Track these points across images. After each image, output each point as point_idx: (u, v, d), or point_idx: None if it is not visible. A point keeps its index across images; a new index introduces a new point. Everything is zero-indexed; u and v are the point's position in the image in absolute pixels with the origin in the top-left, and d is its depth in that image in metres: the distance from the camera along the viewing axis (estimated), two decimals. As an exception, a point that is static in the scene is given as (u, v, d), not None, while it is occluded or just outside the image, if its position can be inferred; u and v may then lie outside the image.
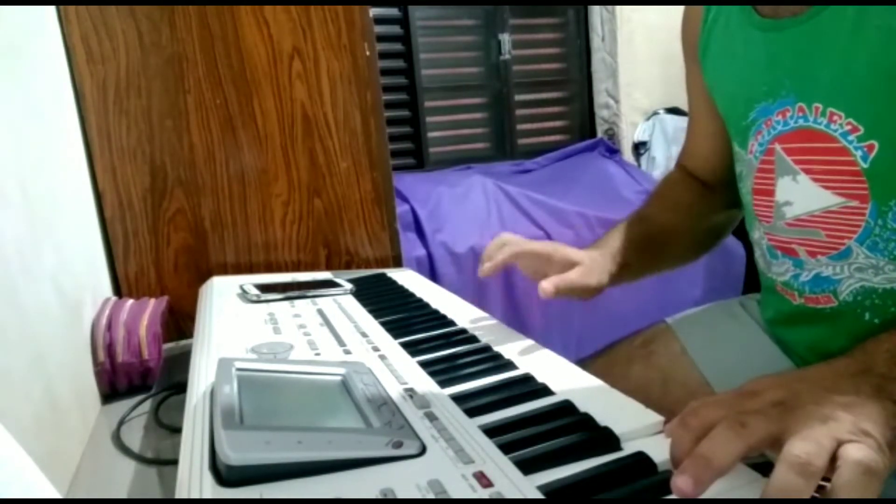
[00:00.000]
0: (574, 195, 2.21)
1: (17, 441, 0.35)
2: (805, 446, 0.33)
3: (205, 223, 0.99)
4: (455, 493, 0.34)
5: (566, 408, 0.46)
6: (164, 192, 0.97)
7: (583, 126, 2.95)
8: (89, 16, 0.90)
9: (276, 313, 0.71)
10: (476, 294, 1.85)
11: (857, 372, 0.41)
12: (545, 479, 0.37)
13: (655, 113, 2.82)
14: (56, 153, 0.80)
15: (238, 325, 0.68)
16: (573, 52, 2.90)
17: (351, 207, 1.04)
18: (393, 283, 0.90)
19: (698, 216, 0.79)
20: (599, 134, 2.89)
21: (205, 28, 0.94)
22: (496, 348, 0.60)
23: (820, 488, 0.32)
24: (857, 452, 0.33)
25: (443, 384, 0.51)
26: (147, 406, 0.73)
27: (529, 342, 0.62)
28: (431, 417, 0.43)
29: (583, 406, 0.46)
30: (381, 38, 2.41)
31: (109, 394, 0.76)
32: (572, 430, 0.43)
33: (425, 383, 0.50)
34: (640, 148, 2.84)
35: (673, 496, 0.33)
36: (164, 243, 0.98)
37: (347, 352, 0.58)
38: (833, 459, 0.33)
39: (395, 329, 0.65)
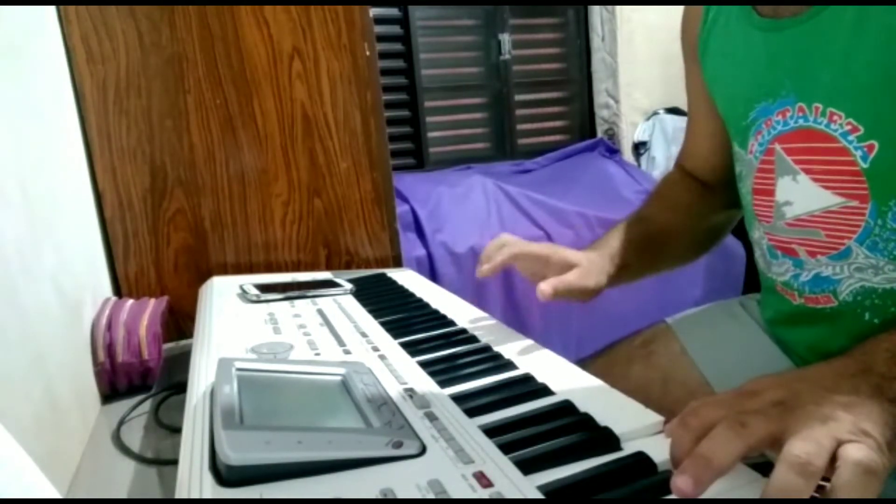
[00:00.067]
0: (574, 195, 2.21)
1: (17, 441, 0.35)
2: (805, 446, 0.33)
3: (205, 223, 0.99)
4: (455, 493, 0.34)
5: (566, 408, 0.46)
6: (164, 192, 0.97)
7: (583, 126, 2.95)
8: (89, 16, 0.90)
9: (276, 313, 0.71)
10: (476, 294, 1.85)
11: (857, 372, 0.41)
12: (545, 479, 0.37)
13: (655, 113, 2.82)
14: (56, 153, 0.80)
15: (238, 325, 0.68)
16: (573, 52, 2.90)
17: (351, 207, 1.04)
18: (393, 283, 0.90)
19: (697, 216, 0.79)
20: (599, 134, 2.89)
21: (205, 28, 0.94)
22: (496, 348, 0.60)
23: (820, 488, 0.32)
24: (856, 452, 0.33)
25: (443, 384, 0.51)
26: (147, 406, 0.73)
27: (529, 342, 0.62)
28: (431, 417, 0.43)
29: (583, 406, 0.46)
30: (381, 38, 2.41)
31: (109, 394, 0.76)
32: (572, 430, 0.43)
33: (425, 383, 0.50)
34: (640, 148, 2.84)
35: (673, 496, 0.33)
36: (164, 243, 0.98)
37: (347, 352, 0.58)
38: (833, 459, 0.33)
39: (395, 329, 0.65)
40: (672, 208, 0.79)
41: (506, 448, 0.39)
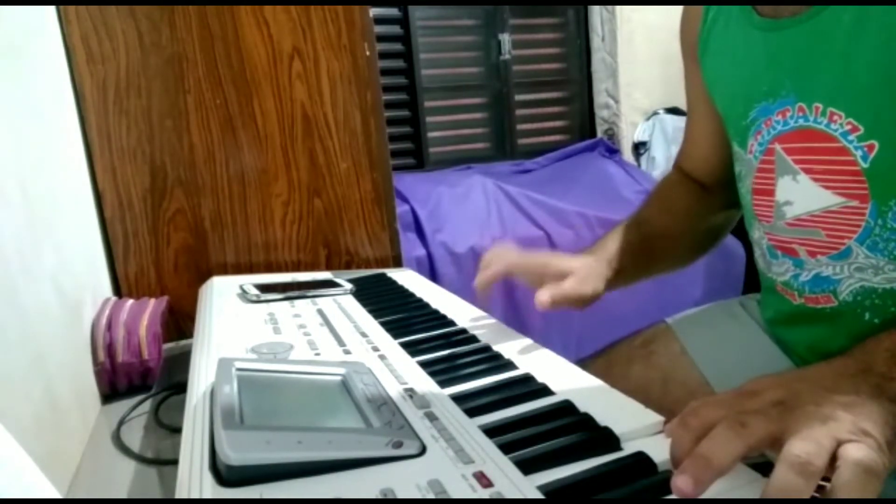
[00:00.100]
0: (574, 195, 2.21)
1: (17, 441, 0.35)
2: (805, 446, 0.33)
3: (205, 223, 0.99)
4: (455, 493, 0.34)
5: (566, 408, 0.46)
6: (164, 192, 0.97)
7: (583, 126, 2.95)
8: (89, 16, 0.90)
9: (276, 313, 0.71)
10: (476, 294, 1.85)
11: (857, 371, 0.41)
12: (545, 479, 0.37)
13: (655, 113, 2.82)
14: (56, 153, 0.80)
15: (238, 325, 0.68)
16: (573, 52, 2.90)
17: (351, 207, 1.04)
18: (393, 283, 0.90)
19: (696, 218, 0.79)
20: (599, 134, 2.89)
21: (205, 28, 0.94)
22: (496, 348, 0.60)
23: (820, 488, 0.32)
24: (856, 452, 0.33)
25: (443, 384, 0.51)
26: (147, 406, 0.73)
27: (529, 342, 0.62)
28: (431, 417, 0.43)
29: (583, 406, 0.46)
30: (381, 38, 2.41)
31: (109, 394, 0.76)
32: (572, 430, 0.43)
33: (425, 383, 0.50)
34: (639, 148, 2.84)
35: (673, 496, 0.33)
36: (164, 243, 0.98)
37: (347, 352, 0.58)
38: (833, 459, 0.33)
39: (395, 329, 0.65)
40: (670, 211, 0.79)
41: (506, 448, 0.39)
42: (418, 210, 2.00)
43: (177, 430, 0.65)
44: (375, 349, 0.59)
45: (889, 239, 0.55)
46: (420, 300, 0.79)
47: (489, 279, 0.68)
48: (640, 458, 0.39)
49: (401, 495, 0.34)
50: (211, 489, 0.35)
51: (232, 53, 0.96)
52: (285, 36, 0.97)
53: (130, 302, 0.83)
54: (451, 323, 0.69)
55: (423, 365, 0.55)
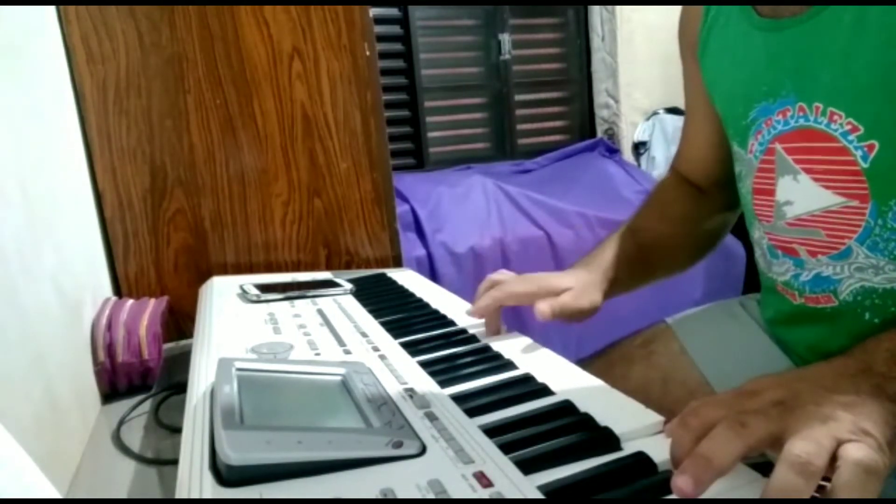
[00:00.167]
0: (574, 195, 2.21)
1: (17, 441, 0.35)
2: (805, 446, 0.33)
3: (205, 223, 0.99)
4: (455, 493, 0.34)
5: (566, 408, 0.46)
6: (164, 192, 0.97)
7: (583, 126, 2.95)
8: (89, 16, 0.90)
9: (276, 313, 0.71)
10: (475, 294, 1.85)
11: (857, 371, 0.41)
12: (545, 479, 0.37)
13: (655, 113, 2.82)
14: (56, 153, 0.80)
15: (238, 325, 0.68)
16: (573, 52, 2.90)
17: (351, 207, 1.04)
18: (393, 283, 0.90)
19: (693, 223, 0.79)
20: (599, 134, 2.89)
21: (205, 28, 0.94)
22: (496, 348, 0.60)
23: (820, 488, 0.32)
24: (856, 452, 0.33)
25: (443, 384, 0.51)
26: (147, 406, 0.73)
27: (529, 342, 0.62)
28: (431, 417, 0.43)
29: (583, 406, 0.46)
30: (381, 38, 2.41)
31: (109, 394, 0.76)
32: (572, 430, 0.43)
33: (425, 383, 0.50)
34: (639, 148, 2.84)
35: (673, 496, 0.33)
36: (164, 243, 0.98)
37: (347, 352, 0.58)
38: (833, 459, 0.33)
39: (395, 329, 0.65)
40: (666, 217, 0.79)
41: (506, 448, 0.39)
42: (418, 210, 2.00)
43: (177, 430, 0.65)
44: (375, 349, 0.59)
45: (889, 239, 0.55)
46: (420, 300, 0.79)
47: (481, 312, 0.67)
48: (640, 458, 0.39)
49: (401, 495, 0.34)
50: (211, 489, 0.35)
51: (232, 53, 0.96)
52: (285, 36, 0.97)
53: (130, 302, 0.83)
54: (451, 323, 0.69)
55: (423, 365, 0.55)
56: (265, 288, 0.80)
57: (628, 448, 0.41)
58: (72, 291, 0.72)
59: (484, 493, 0.34)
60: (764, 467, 0.35)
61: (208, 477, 0.36)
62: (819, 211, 0.59)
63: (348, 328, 0.66)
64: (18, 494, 0.32)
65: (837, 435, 0.34)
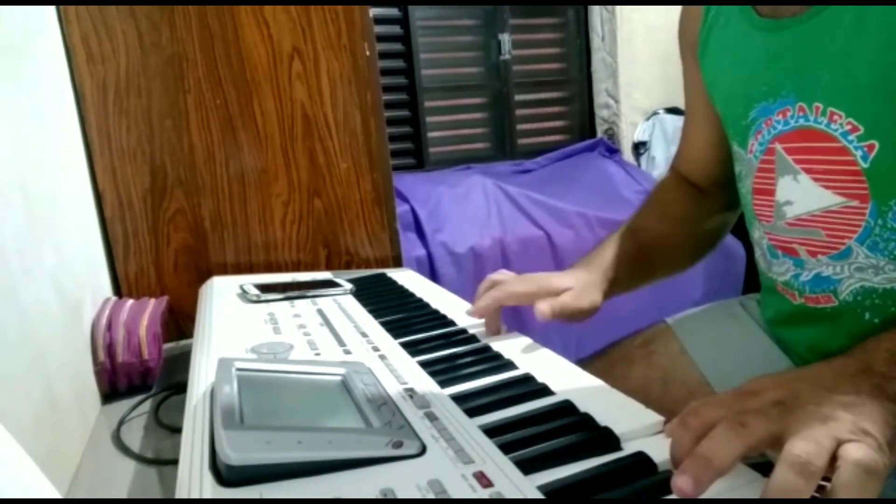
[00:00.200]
0: (574, 195, 2.21)
1: (17, 441, 0.35)
2: (805, 446, 0.33)
3: (205, 223, 0.99)
4: (455, 493, 0.34)
5: (566, 408, 0.46)
6: (164, 192, 0.97)
7: (583, 126, 2.95)
8: (89, 16, 0.90)
9: (276, 313, 0.71)
10: (476, 294, 1.85)
11: (857, 371, 0.41)
12: (545, 479, 0.37)
13: (655, 113, 2.82)
14: (56, 153, 0.80)
15: (238, 325, 0.68)
16: (573, 52, 2.90)
17: (351, 207, 1.04)
18: (393, 283, 0.90)
19: (693, 223, 0.79)
20: (599, 134, 2.89)
21: (205, 28, 0.94)
22: (496, 348, 0.60)
23: (820, 488, 0.32)
24: (856, 452, 0.33)
25: (443, 384, 0.51)
26: (147, 406, 0.73)
27: (529, 342, 0.62)
28: (431, 417, 0.43)
29: (583, 406, 0.46)
30: (381, 38, 2.41)
31: (109, 394, 0.76)
32: (572, 430, 0.43)
33: (425, 383, 0.50)
34: (639, 148, 2.84)
35: (673, 496, 0.33)
36: (164, 243, 0.98)
37: (347, 352, 0.58)
38: (833, 459, 0.33)
39: (395, 329, 0.65)
40: (667, 217, 0.79)
41: (506, 448, 0.39)
42: (418, 210, 2.00)
43: (177, 430, 0.65)
44: (375, 349, 0.59)
45: (889, 239, 0.55)
46: (420, 300, 0.79)
47: (481, 312, 0.67)
48: (640, 458, 0.39)
49: (401, 495, 0.34)
50: (211, 489, 0.35)
51: (232, 53, 0.96)
52: (285, 36, 0.97)
53: (130, 302, 0.83)
54: (451, 323, 0.69)
55: (423, 365, 0.55)
56: (265, 288, 0.80)
57: (628, 448, 0.41)
58: (72, 291, 0.72)
59: (484, 493, 0.34)
60: (764, 467, 0.35)
61: (208, 477, 0.36)
62: (819, 211, 0.59)
63: (348, 328, 0.66)
64: (18, 494, 0.32)
65: (837, 435, 0.34)
